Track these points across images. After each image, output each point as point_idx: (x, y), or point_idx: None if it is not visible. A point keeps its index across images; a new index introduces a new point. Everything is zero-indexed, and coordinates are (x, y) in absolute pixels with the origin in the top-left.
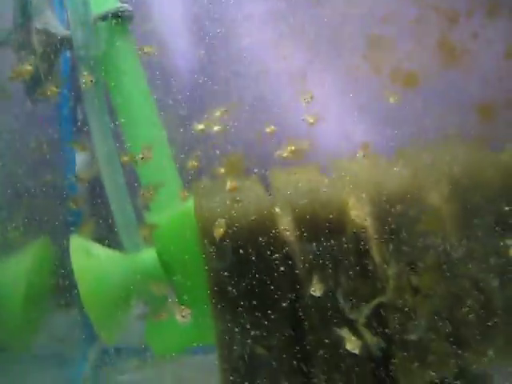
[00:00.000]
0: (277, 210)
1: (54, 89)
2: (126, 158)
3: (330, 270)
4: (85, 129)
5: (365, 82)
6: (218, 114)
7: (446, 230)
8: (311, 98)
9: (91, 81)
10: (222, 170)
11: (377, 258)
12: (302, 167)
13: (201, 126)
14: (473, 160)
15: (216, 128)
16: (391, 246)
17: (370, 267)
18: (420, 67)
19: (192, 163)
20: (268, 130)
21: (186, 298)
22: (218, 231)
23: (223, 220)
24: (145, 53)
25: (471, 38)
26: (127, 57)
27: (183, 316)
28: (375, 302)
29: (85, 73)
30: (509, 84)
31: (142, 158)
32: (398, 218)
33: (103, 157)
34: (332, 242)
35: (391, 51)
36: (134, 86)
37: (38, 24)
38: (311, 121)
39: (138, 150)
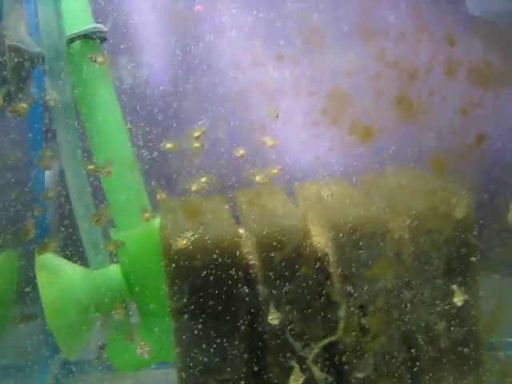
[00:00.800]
0: (241, 231)
1: (25, 106)
2: (91, 167)
3: (287, 303)
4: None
5: (324, 134)
6: (197, 133)
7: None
8: (277, 116)
9: (55, 99)
10: (194, 188)
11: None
12: (268, 189)
13: (169, 145)
14: (425, 209)
15: (195, 145)
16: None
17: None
18: (377, 121)
19: (160, 195)
20: (238, 154)
21: (148, 315)
22: (181, 243)
23: (190, 233)
24: (97, 62)
25: (428, 95)
26: (99, 76)
27: (142, 352)
28: (326, 340)
29: (49, 90)
30: (462, 138)
31: (108, 172)
32: (356, 250)
33: (70, 170)
34: (292, 271)
35: (350, 105)
36: (104, 105)
37: (10, 40)
38: (271, 143)
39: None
